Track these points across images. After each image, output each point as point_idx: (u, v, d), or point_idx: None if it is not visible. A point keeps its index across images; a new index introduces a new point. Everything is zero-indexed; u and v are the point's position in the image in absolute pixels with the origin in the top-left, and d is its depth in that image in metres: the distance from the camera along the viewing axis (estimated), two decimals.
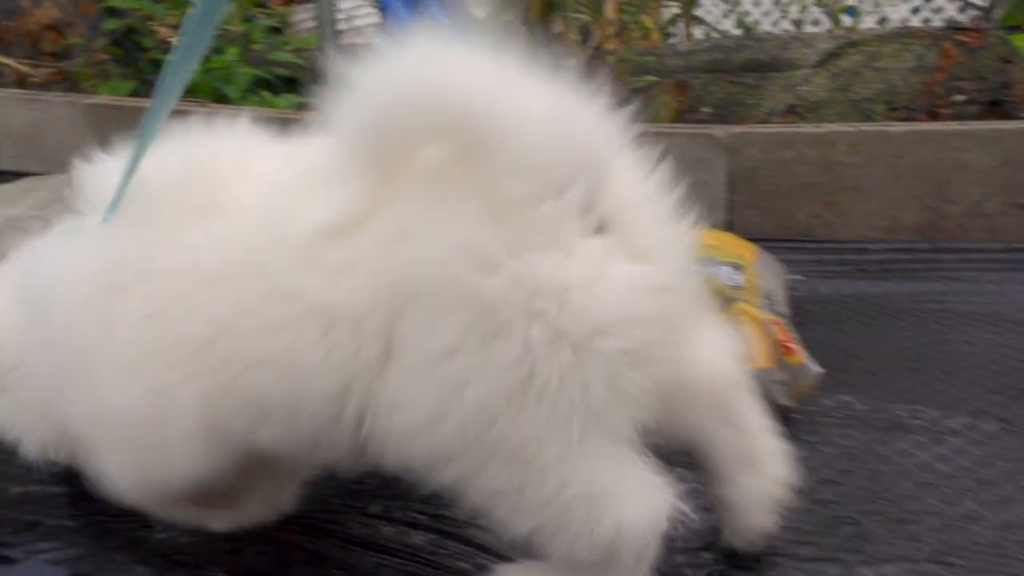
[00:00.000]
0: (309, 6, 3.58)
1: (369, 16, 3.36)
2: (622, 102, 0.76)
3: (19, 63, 3.41)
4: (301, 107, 3.04)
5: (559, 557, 0.82)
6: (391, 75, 0.72)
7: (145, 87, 3.19)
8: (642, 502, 0.79)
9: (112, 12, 3.32)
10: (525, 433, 0.75)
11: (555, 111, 0.72)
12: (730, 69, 2.69)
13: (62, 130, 3.04)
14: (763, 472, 0.96)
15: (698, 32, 3.69)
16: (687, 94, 2.70)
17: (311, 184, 0.80)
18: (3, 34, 3.48)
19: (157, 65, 3.18)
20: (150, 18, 3.35)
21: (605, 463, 0.78)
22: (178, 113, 0.90)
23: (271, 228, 0.80)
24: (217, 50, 3.11)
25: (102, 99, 3.02)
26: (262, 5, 3.42)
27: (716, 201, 2.23)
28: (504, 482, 0.78)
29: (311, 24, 3.56)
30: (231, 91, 3.03)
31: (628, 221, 0.76)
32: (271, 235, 0.80)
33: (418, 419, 0.76)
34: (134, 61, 3.35)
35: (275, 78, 3.18)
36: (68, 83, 3.40)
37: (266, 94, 3.06)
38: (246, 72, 3.04)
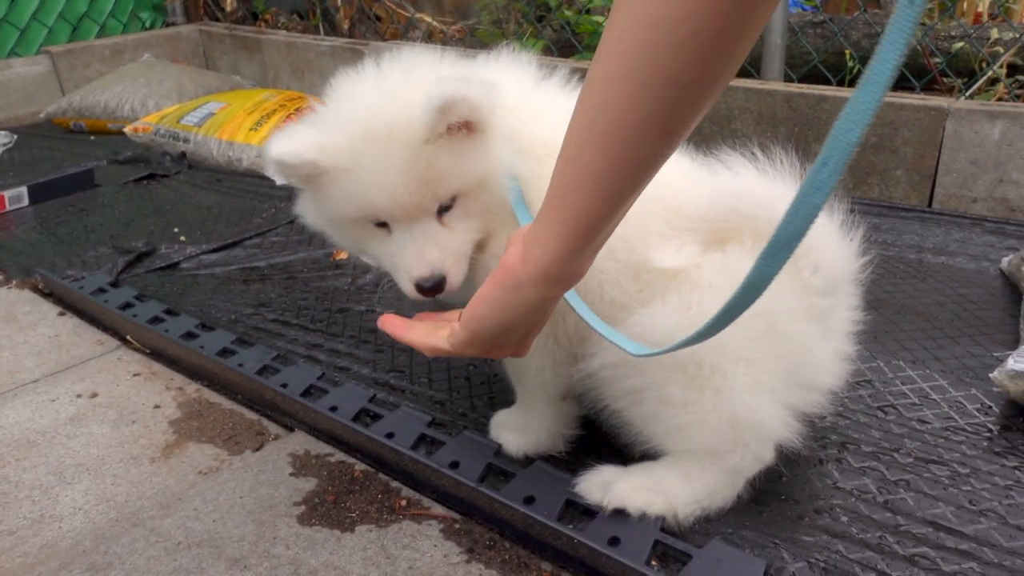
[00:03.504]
0: None
1: None
2: None
3: (434, 19, 3.58)
4: None
5: (683, 450, 1.14)
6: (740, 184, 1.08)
7: (554, 47, 3.21)
8: (777, 412, 1.10)
9: None
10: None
11: (844, 244, 1.10)
12: None
13: None
14: None
15: None
16: None
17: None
18: None
19: (565, 25, 3.19)
20: None
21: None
22: None
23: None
24: None
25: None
26: None
27: None
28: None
29: None
30: None
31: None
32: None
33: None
34: (540, 20, 3.39)
35: None
36: (474, 40, 3.52)
37: None
38: None
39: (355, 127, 1.03)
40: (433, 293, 1.09)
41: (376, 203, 1.05)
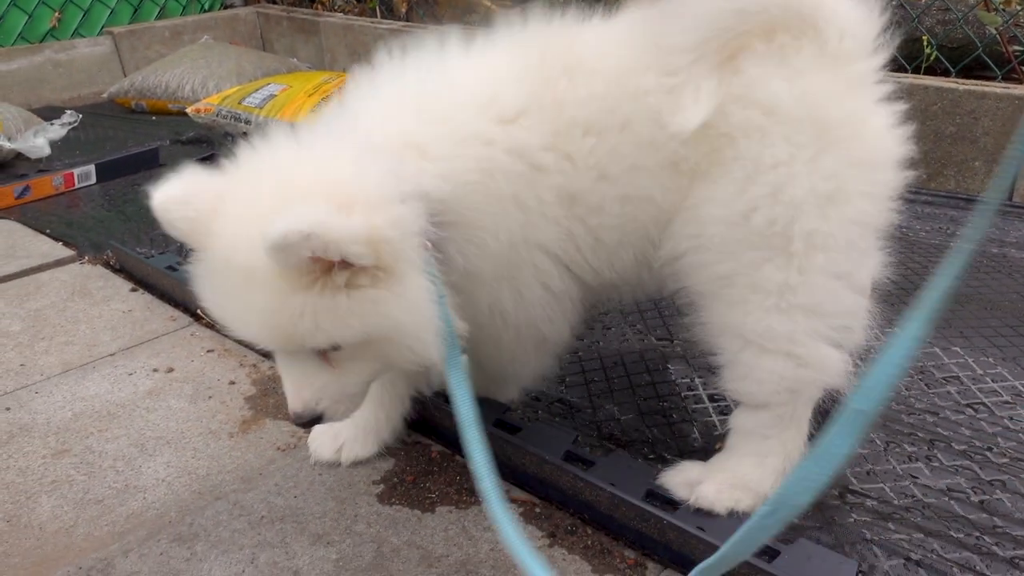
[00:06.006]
0: None
1: None
2: None
3: (492, 3, 3.56)
4: None
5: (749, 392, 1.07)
6: None
7: None
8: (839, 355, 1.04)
9: None
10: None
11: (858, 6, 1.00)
12: None
13: None
14: None
15: None
16: None
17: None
18: None
19: None
20: None
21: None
22: None
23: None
24: None
25: None
26: None
27: None
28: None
29: None
30: None
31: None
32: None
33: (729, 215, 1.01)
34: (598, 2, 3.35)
35: None
36: None
37: None
38: None
39: (216, 255, 0.89)
40: (311, 426, 0.99)
41: (238, 336, 0.92)
